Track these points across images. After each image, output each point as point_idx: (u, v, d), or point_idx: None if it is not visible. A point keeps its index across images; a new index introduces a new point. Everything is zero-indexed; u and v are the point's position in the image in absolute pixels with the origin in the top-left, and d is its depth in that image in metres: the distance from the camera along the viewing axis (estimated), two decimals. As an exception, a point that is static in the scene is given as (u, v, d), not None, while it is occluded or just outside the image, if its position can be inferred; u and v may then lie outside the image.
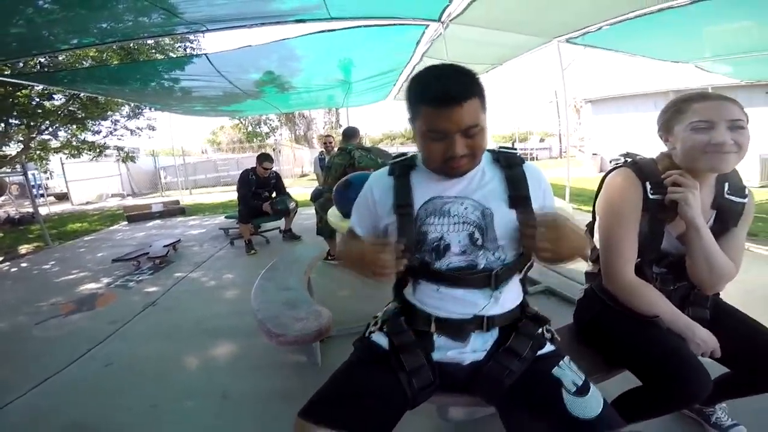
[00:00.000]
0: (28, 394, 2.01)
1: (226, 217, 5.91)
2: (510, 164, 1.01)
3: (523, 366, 0.96)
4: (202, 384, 2.02)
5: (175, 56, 7.41)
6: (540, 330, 1.02)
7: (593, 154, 12.39)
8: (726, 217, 1.13)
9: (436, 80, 0.86)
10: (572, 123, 22.43)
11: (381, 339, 1.04)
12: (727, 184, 1.14)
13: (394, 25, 3.85)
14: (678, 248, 1.15)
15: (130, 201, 13.04)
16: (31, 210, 8.52)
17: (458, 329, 0.99)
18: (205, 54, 4.53)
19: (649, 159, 1.19)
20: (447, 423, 1.63)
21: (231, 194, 10.12)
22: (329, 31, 3.91)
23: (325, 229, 3.64)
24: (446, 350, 1.00)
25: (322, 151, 5.54)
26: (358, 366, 1.01)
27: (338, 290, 3.09)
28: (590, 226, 1.33)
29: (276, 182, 5.02)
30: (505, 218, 0.96)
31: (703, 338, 1.07)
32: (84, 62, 6.77)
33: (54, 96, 7.59)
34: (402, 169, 1.03)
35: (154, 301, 3.25)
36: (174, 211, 8.46)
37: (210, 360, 2.27)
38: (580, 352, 1.26)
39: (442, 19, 3.73)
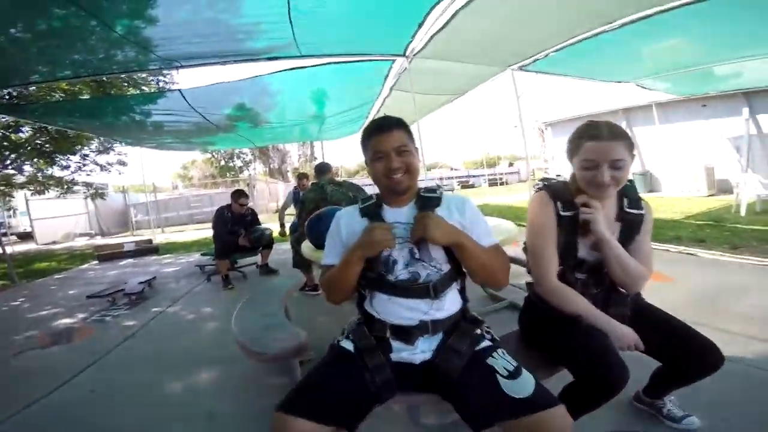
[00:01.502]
0: (12, 418, 2.03)
1: (201, 255, 5.90)
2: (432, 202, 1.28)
3: (463, 360, 1.16)
4: (188, 406, 2.05)
5: (148, 90, 7.45)
6: (478, 331, 1.24)
7: (557, 176, 12.96)
8: (629, 227, 1.36)
9: (376, 121, 1.28)
10: (537, 146, 23.50)
11: (347, 344, 1.24)
12: (626, 200, 1.37)
13: (363, 60, 4.13)
14: (594, 256, 1.37)
15: (100, 240, 12.67)
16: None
17: (408, 334, 1.21)
18: (179, 90, 4.67)
19: (561, 182, 1.43)
20: (419, 427, 1.74)
21: (205, 232, 10.09)
22: (301, 68, 4.15)
23: (301, 262, 3.71)
24: (400, 352, 1.22)
25: (296, 186, 5.66)
26: (328, 366, 1.20)
27: (315, 317, 3.19)
28: (526, 244, 1.53)
29: (252, 219, 5.06)
30: None
31: (623, 333, 1.26)
32: (54, 94, 6.67)
33: (21, 129, 7.43)
34: (371, 208, 1.31)
35: (133, 333, 3.24)
36: (147, 250, 8.29)
37: (194, 384, 2.30)
38: (526, 353, 1.42)
39: (407, 54, 4.04)
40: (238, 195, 4.86)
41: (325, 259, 1.33)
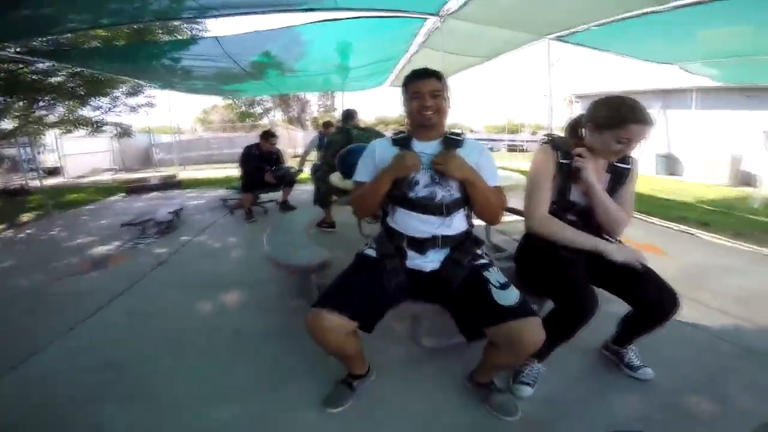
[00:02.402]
0: (60, 339, 2.23)
1: (226, 188, 6.20)
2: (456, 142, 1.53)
3: (463, 272, 1.45)
4: (216, 324, 2.33)
5: (182, 37, 7.45)
6: (479, 250, 1.53)
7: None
8: (617, 178, 1.61)
9: (417, 69, 1.51)
10: (565, 117, 22.78)
11: (371, 252, 1.55)
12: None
13: (395, 17, 4.09)
14: (584, 200, 1.59)
15: (124, 175, 13.07)
16: (23, 182, 8.60)
17: (421, 245, 1.49)
18: (215, 37, 4.71)
19: (562, 137, 1.68)
20: (420, 348, 1.99)
21: (224, 171, 10.58)
22: (333, 20, 4.13)
23: (321, 199, 4.08)
24: (414, 260, 1.50)
25: (320, 131, 6.02)
26: (354, 271, 1.51)
27: (330, 251, 3.40)
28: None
29: (277, 157, 5.43)
30: None
31: (618, 248, 1.52)
32: (92, 42, 6.78)
33: (58, 72, 7.60)
34: (403, 140, 1.56)
35: (164, 260, 3.52)
36: (171, 184, 8.68)
37: (221, 305, 2.58)
38: (517, 286, 1.57)
39: (440, 14, 3.99)
40: (269, 135, 5.32)
41: (357, 176, 1.59)
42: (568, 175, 1.58)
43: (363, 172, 1.58)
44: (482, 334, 1.35)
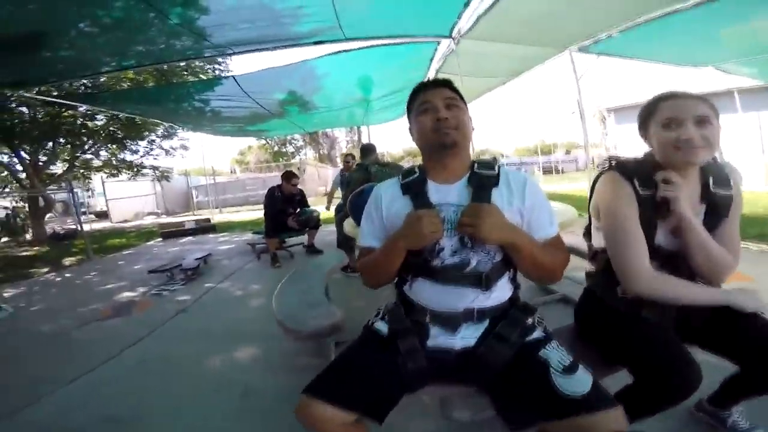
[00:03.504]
0: (64, 388, 2.18)
1: (253, 233, 6.18)
2: (488, 180, 1.12)
3: (511, 350, 1.04)
4: (225, 382, 2.16)
5: (205, 78, 7.86)
6: (530, 320, 1.10)
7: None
8: (716, 209, 1.17)
9: (422, 82, 1.20)
10: (598, 133, 22.05)
11: (381, 326, 1.15)
12: (711, 178, 1.18)
13: (407, 43, 4.03)
14: (672, 243, 1.18)
15: (165, 219, 13.66)
16: (74, 226, 9.11)
17: (450, 321, 1.09)
18: (233, 76, 4.85)
19: (632, 158, 1.25)
20: (451, 423, 1.68)
21: (258, 212, 10.48)
22: (345, 51, 4.13)
23: (344, 242, 3.80)
24: (438, 338, 1.10)
25: (342, 169, 5.78)
26: (359, 349, 1.13)
27: (354, 298, 3.20)
28: (587, 229, 1.40)
29: (300, 199, 5.26)
30: None
31: (746, 297, 1.13)
32: (123, 84, 7.29)
33: (96, 117, 8.17)
34: (414, 184, 1.15)
35: (185, 308, 3.47)
36: (205, 228, 8.88)
37: (234, 359, 2.42)
38: (580, 350, 1.29)
39: (453, 35, 3.89)
40: (290, 176, 5.09)
41: (362, 240, 1.22)
42: (653, 210, 1.15)
43: (368, 234, 1.21)
44: (534, 424, 0.97)
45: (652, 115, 1.16)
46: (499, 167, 1.14)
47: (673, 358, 1.05)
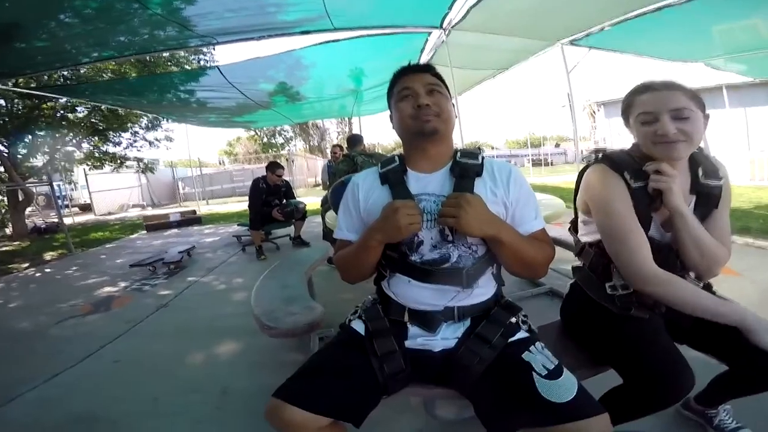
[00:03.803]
0: (39, 387, 2.12)
1: (238, 225, 6.09)
2: (471, 169, 1.06)
3: (493, 353, 0.98)
4: (204, 380, 2.09)
5: (189, 68, 7.69)
6: (514, 319, 1.05)
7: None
8: (706, 200, 1.13)
9: (402, 66, 1.11)
10: (587, 126, 22.19)
11: (359, 325, 1.10)
12: (701, 169, 1.14)
13: (397, 33, 3.94)
14: (663, 235, 1.14)
15: (150, 211, 13.42)
16: (56, 220, 8.87)
17: (429, 319, 1.04)
18: (217, 66, 4.72)
19: (620, 150, 1.19)
20: (435, 421, 1.64)
21: (245, 204, 10.42)
22: (334, 41, 4.03)
23: (330, 234, 3.72)
24: (417, 338, 1.05)
25: (329, 160, 5.70)
26: (335, 350, 1.06)
27: (340, 291, 3.10)
28: (573, 223, 1.35)
29: (286, 190, 5.14)
30: None
31: (763, 326, 0.99)
32: (104, 75, 7.08)
33: (77, 108, 7.97)
34: (393, 173, 1.09)
35: (166, 303, 3.38)
36: (191, 220, 8.72)
37: (213, 357, 2.35)
38: (565, 348, 1.25)
39: (444, 26, 3.81)
40: (275, 166, 4.96)
41: (338, 233, 1.15)
42: (646, 203, 1.10)
43: (345, 226, 1.15)
44: (515, 430, 0.92)
45: (630, 108, 1.12)
46: (482, 157, 1.09)
47: (666, 360, 1.01)
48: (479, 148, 1.14)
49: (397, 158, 1.12)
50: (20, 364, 2.45)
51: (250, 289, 3.42)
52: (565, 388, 0.87)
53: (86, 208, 14.99)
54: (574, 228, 1.35)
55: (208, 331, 2.70)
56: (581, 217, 1.28)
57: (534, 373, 0.91)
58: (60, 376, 2.23)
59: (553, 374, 0.90)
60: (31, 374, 2.24)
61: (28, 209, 10.21)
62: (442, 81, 1.09)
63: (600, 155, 1.19)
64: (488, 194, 1.02)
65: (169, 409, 1.86)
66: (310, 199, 5.78)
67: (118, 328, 2.85)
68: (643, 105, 1.07)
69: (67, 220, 10.58)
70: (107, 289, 3.99)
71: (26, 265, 5.63)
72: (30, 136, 7.91)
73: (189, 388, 2.02)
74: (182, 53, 8.07)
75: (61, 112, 7.88)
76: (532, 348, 0.98)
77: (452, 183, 1.03)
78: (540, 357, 0.95)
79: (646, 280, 1.06)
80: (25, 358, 2.54)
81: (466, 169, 1.04)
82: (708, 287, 1.20)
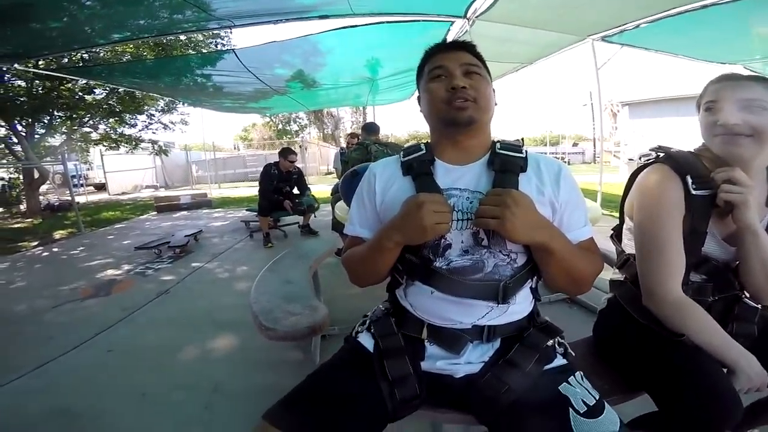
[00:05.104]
0: (25, 376, 2.05)
1: (247, 210, 6.02)
2: (513, 163, 0.89)
3: (525, 382, 0.82)
4: (196, 376, 2.00)
5: (206, 52, 7.63)
6: (550, 342, 0.89)
7: (629, 160, 11.88)
8: None
9: (437, 43, 0.96)
10: (607, 127, 21.64)
11: (366, 340, 0.94)
12: None
13: (418, 21, 3.77)
14: (723, 253, 0.99)
15: (163, 192, 13.49)
16: (70, 198, 8.94)
17: (453, 339, 0.87)
18: (233, 50, 4.61)
19: (687, 152, 1.03)
20: None
21: (256, 189, 10.44)
22: (352, 27, 3.88)
23: (339, 225, 3.61)
24: (436, 360, 0.89)
25: (343, 147, 5.59)
26: (337, 369, 0.91)
27: (347, 288, 3.00)
28: (617, 230, 1.21)
29: (298, 178, 5.03)
30: None
31: (757, 372, 0.89)
32: (122, 58, 7.07)
33: (95, 90, 7.97)
34: (418, 163, 0.92)
35: (167, 289, 3.30)
36: (201, 203, 8.71)
37: (208, 351, 2.26)
38: (596, 369, 1.13)
39: (468, 16, 3.63)
40: (287, 152, 4.83)
41: (349, 227, 0.99)
42: (704, 213, 0.96)
43: (357, 220, 0.98)
44: None
45: (701, 98, 0.97)
46: (526, 150, 0.92)
47: (715, 389, 0.87)
48: (521, 140, 0.97)
49: (423, 146, 0.95)
50: (10, 350, 2.37)
51: (253, 279, 3.32)
52: (605, 429, 0.73)
53: (101, 187, 15.14)
54: (617, 236, 1.21)
55: (207, 323, 2.61)
56: (628, 224, 1.12)
57: (571, 410, 0.76)
58: (49, 364, 2.16)
59: (594, 412, 0.76)
60: (20, 362, 2.17)
61: (45, 187, 10.29)
62: (483, 62, 0.91)
63: (661, 154, 1.02)
64: (535, 193, 0.84)
65: (155, 407, 1.77)
66: (321, 186, 5.65)
67: (115, 315, 2.77)
68: (709, 94, 0.94)
69: (81, 199, 10.69)
70: (110, 272, 3.93)
71: (35, 243, 5.63)
72: (47, 117, 7.96)
73: (179, 384, 1.93)
74: (200, 37, 7.99)
75: (80, 93, 7.90)
76: (571, 379, 0.82)
77: (491, 178, 0.86)
78: (580, 390, 0.80)
79: (662, 303, 0.95)
80: (16, 344, 2.46)
81: (509, 162, 0.87)
82: (765, 308, 1.05)
